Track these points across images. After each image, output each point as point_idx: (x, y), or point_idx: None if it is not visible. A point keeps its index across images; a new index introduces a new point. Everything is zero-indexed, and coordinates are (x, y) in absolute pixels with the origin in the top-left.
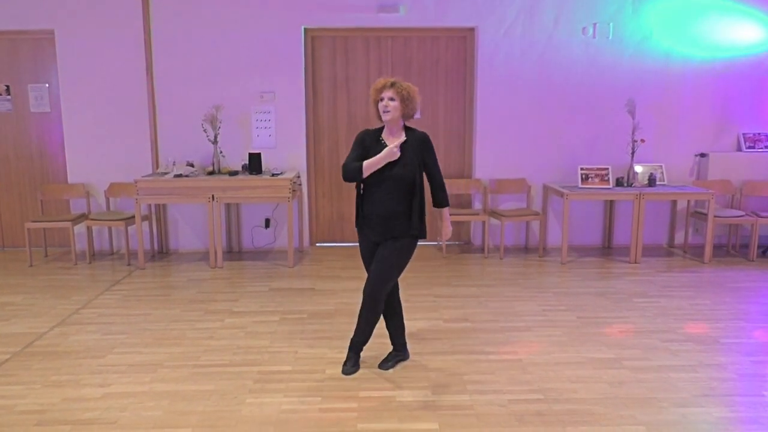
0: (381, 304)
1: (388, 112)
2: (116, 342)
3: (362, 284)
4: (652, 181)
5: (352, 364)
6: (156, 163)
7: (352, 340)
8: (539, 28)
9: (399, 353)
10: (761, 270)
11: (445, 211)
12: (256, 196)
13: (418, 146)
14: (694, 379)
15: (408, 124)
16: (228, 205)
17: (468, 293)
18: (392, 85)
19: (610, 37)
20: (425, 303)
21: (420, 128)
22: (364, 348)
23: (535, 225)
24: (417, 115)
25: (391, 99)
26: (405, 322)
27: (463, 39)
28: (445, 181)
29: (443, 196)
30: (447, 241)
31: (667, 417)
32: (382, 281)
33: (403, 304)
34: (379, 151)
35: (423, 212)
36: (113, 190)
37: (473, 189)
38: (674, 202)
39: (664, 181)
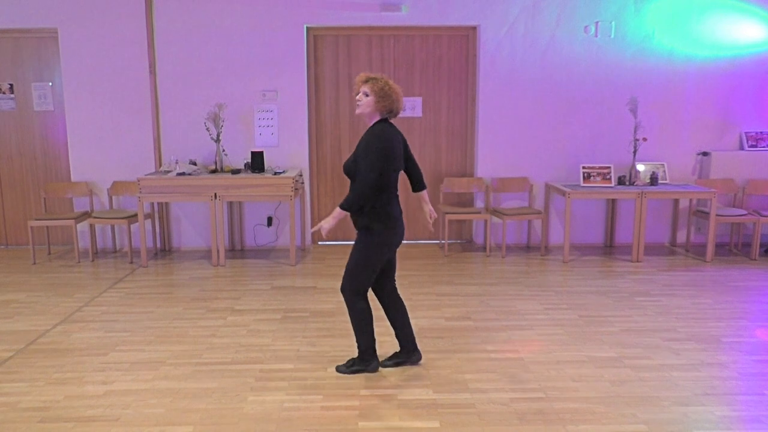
0: (355, 303)
1: (359, 106)
2: (119, 339)
3: None
4: (654, 180)
5: (375, 364)
6: (159, 162)
7: (358, 351)
8: (541, 27)
9: (405, 355)
10: (763, 269)
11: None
12: (258, 194)
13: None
14: (695, 378)
15: (403, 120)
16: (230, 204)
17: (470, 292)
18: (367, 80)
19: (613, 36)
20: (427, 301)
21: (422, 126)
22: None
23: (537, 224)
24: (418, 113)
25: (365, 94)
26: None
27: (466, 38)
28: (446, 179)
29: (347, 197)
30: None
31: (669, 416)
32: (348, 278)
33: (405, 302)
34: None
35: (373, 206)
36: (116, 188)
37: (475, 187)
38: (676, 201)
39: (666, 179)
